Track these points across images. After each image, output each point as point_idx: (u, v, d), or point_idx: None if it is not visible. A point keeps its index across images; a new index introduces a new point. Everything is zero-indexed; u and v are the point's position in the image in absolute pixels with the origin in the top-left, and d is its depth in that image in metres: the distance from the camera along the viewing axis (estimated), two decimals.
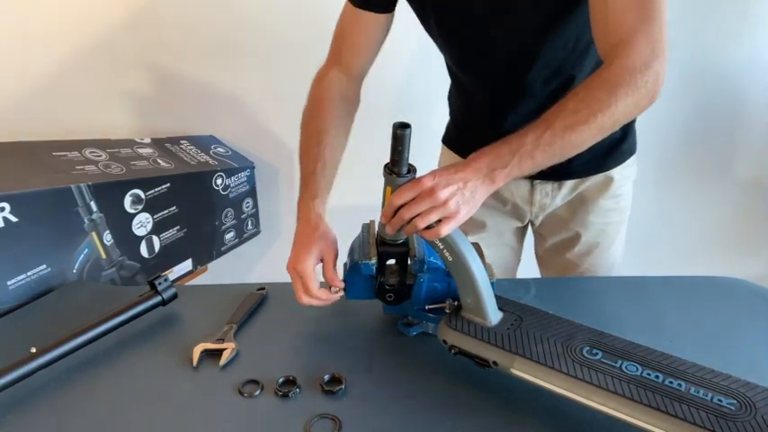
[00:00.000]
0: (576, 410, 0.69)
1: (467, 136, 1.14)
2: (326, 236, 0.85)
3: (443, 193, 0.70)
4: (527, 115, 1.00)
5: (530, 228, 1.23)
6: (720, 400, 0.62)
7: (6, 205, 1.00)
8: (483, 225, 1.18)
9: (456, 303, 0.80)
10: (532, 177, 1.08)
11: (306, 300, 0.84)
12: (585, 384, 0.66)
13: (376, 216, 0.89)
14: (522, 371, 0.70)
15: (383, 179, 0.76)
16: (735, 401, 0.62)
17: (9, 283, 1.01)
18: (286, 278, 1.03)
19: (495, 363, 0.72)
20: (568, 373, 0.67)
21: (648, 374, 0.66)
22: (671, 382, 0.65)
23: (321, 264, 0.85)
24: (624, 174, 1.09)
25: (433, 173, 0.72)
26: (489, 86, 1.02)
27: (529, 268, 1.28)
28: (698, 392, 0.64)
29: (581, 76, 0.96)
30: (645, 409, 0.62)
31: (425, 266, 0.82)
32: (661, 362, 0.68)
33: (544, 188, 1.10)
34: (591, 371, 0.67)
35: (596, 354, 0.70)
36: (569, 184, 1.09)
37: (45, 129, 1.58)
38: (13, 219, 1.01)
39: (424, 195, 0.70)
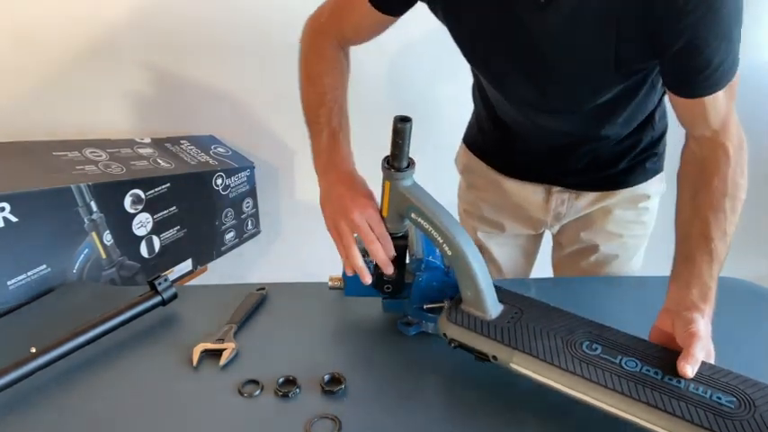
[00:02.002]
0: (577, 411, 0.69)
1: (489, 140, 1.11)
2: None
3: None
4: (551, 137, 0.99)
5: (549, 235, 1.21)
6: (719, 398, 0.62)
7: (6, 205, 1.00)
8: (502, 226, 1.17)
9: (456, 297, 0.80)
10: (550, 183, 1.07)
11: (380, 253, 0.78)
12: (584, 381, 0.66)
13: None
14: (521, 366, 0.69)
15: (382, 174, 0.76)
16: (734, 399, 0.62)
17: (9, 283, 1.01)
18: (286, 278, 1.03)
19: (494, 357, 0.72)
20: (567, 369, 0.67)
21: (648, 371, 0.66)
22: (670, 380, 0.65)
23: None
24: (651, 190, 1.07)
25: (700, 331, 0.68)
26: (512, 113, 0.99)
27: (543, 275, 1.26)
28: (697, 390, 0.63)
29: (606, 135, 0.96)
30: (643, 406, 0.62)
31: (424, 265, 0.82)
32: (661, 357, 0.68)
33: (561, 196, 1.07)
34: (590, 367, 0.67)
35: (596, 349, 0.69)
36: (589, 195, 1.07)
37: (45, 129, 1.58)
38: (13, 219, 1.01)
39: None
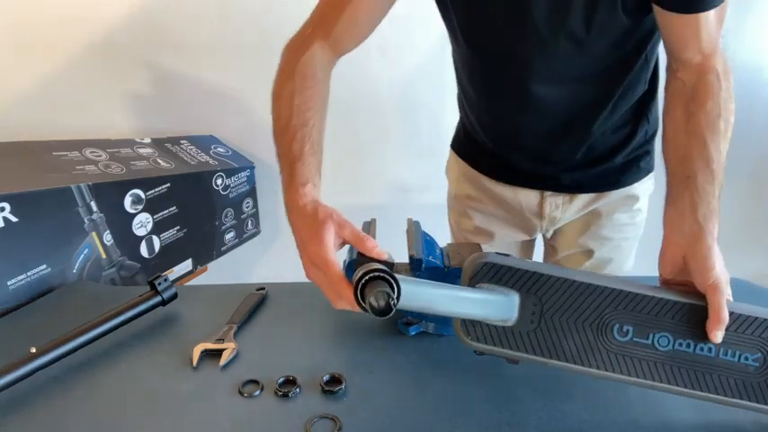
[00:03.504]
0: (577, 411, 0.69)
1: (478, 141, 1.09)
2: (332, 215, 0.71)
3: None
4: (542, 136, 0.98)
5: (540, 240, 1.20)
6: (747, 358, 0.64)
7: (6, 205, 1.00)
8: (491, 235, 1.16)
9: None
10: (543, 188, 1.06)
11: (340, 304, 0.70)
12: (621, 376, 0.67)
13: (375, 215, 0.89)
14: (556, 368, 0.69)
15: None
16: (759, 355, 0.64)
17: (9, 283, 1.01)
18: (286, 278, 1.03)
19: (526, 362, 0.70)
20: (604, 369, 0.67)
21: (680, 345, 0.66)
22: (701, 350, 0.66)
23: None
24: (643, 190, 1.07)
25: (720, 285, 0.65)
26: (504, 92, 0.96)
27: None
28: (726, 355, 0.65)
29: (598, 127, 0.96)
30: (680, 389, 0.66)
31: (424, 265, 0.82)
32: (688, 319, 0.66)
33: (554, 200, 1.07)
34: (625, 359, 0.67)
35: (627, 332, 0.67)
36: (583, 198, 1.06)
37: (45, 129, 1.58)
38: (13, 219, 1.01)
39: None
